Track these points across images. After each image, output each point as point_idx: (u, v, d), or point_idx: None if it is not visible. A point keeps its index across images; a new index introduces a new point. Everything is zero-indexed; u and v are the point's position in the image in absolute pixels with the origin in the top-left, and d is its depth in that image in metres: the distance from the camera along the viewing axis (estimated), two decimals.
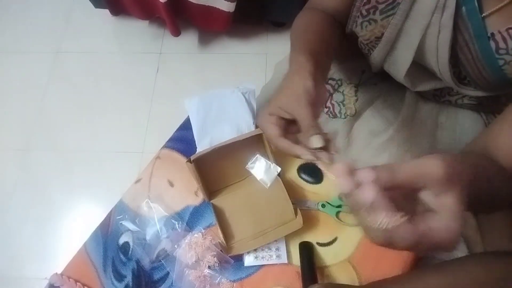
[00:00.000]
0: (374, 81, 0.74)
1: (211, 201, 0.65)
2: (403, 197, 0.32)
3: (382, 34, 0.57)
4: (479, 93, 0.59)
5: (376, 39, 0.59)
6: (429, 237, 0.30)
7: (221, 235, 0.62)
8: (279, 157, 0.64)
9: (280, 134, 0.49)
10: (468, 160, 0.42)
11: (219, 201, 0.66)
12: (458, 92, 0.65)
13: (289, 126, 0.50)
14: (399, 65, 0.60)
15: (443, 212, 0.30)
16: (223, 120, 0.71)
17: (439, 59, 0.55)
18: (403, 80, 0.62)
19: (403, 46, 0.57)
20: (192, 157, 0.62)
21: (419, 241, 0.29)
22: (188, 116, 0.75)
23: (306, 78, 0.48)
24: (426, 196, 0.31)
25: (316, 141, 0.47)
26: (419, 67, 0.61)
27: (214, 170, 0.66)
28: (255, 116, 0.69)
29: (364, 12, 0.57)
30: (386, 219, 0.29)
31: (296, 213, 0.62)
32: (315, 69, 0.49)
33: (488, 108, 0.68)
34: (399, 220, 0.29)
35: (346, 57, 0.75)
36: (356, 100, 0.72)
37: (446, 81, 0.58)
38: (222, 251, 0.62)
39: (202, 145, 0.68)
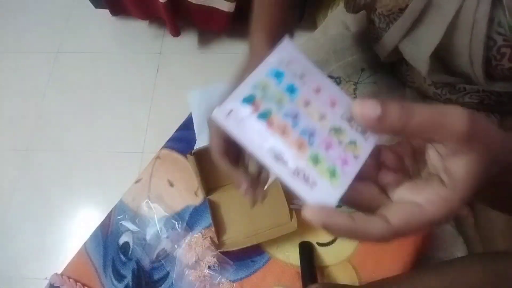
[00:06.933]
0: (373, 79, 0.74)
1: (208, 197, 0.66)
2: (411, 155, 0.27)
3: (407, 6, 0.51)
4: (497, 87, 0.53)
5: (399, 10, 0.53)
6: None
7: (213, 229, 0.63)
8: None
9: (222, 150, 0.41)
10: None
11: (216, 197, 0.66)
12: (459, 90, 0.64)
13: None
14: (424, 44, 0.54)
15: (434, 188, 0.24)
16: None
17: (473, 37, 0.48)
18: (424, 61, 0.56)
19: (432, 20, 0.51)
20: (194, 150, 0.62)
21: (355, 235, 0.24)
22: (188, 116, 0.75)
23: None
24: (434, 156, 0.25)
25: (251, 164, 0.34)
26: (437, 53, 0.55)
27: (214, 168, 0.66)
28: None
29: None
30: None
31: (291, 216, 0.62)
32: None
33: (488, 107, 0.67)
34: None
35: (345, 55, 0.75)
36: (355, 98, 0.72)
37: (474, 66, 0.51)
38: (211, 244, 0.62)
39: (202, 138, 0.69)
